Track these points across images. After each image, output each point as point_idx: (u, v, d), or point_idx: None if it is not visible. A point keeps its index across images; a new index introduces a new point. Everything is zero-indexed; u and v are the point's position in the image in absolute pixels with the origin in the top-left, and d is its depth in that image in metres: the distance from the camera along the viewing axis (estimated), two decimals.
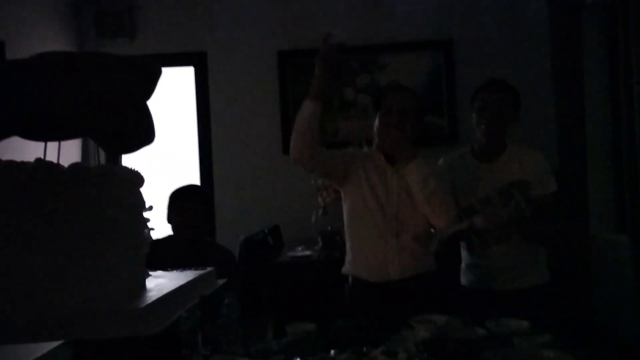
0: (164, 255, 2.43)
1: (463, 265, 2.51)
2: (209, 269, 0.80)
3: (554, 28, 4.02)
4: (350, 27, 4.41)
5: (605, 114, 3.94)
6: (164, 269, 2.33)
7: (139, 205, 0.79)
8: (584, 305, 3.73)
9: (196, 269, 0.91)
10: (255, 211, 4.40)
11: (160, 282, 0.72)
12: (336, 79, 2.26)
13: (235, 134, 4.49)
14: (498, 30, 4.34)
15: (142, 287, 0.66)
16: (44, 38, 3.92)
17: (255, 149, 4.48)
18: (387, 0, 4.42)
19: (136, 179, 0.87)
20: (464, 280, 2.50)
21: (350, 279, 2.39)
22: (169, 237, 2.54)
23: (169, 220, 2.51)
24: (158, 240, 2.53)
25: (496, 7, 4.35)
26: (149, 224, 0.87)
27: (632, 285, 3.13)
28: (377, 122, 2.29)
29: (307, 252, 3.65)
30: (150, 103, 4.67)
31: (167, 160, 4.60)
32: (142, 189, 0.91)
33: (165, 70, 4.81)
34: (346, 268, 2.41)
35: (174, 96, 4.71)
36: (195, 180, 4.52)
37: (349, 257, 2.41)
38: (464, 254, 2.51)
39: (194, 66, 4.54)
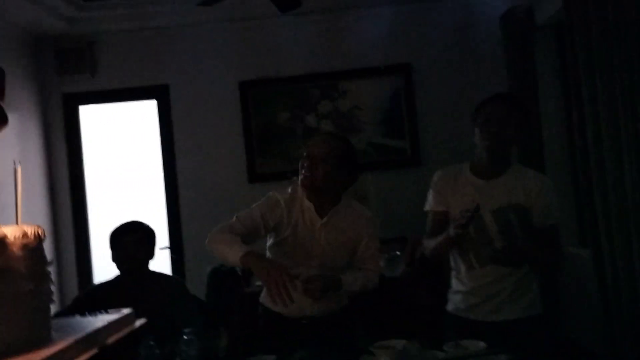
0: (112, 295, 2.42)
1: (450, 291, 2.35)
2: (125, 311, 0.80)
3: (507, 49, 4.14)
4: (310, 55, 4.49)
5: (561, 131, 4.06)
6: (113, 307, 2.32)
7: (39, 261, 0.78)
8: (552, 319, 3.80)
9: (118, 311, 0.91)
10: None
11: (61, 334, 0.71)
12: None
13: (200, 165, 4.49)
14: (454, 53, 4.46)
15: (44, 339, 0.66)
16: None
17: (221, 179, 4.49)
18: (346, 28, 4.51)
19: (34, 238, 0.86)
20: (449, 306, 2.33)
21: (263, 308, 2.33)
22: (116, 277, 2.53)
23: (113, 259, 2.50)
24: (106, 282, 2.53)
25: (451, 30, 4.47)
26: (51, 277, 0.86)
27: (595, 298, 3.19)
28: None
29: None
30: (114, 138, 4.58)
31: (133, 194, 4.57)
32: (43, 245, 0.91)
33: (128, 105, 4.77)
34: (263, 298, 2.35)
35: (137, 130, 4.71)
36: (162, 213, 4.50)
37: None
38: (452, 278, 2.34)
39: (157, 99, 4.55)
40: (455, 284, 2.31)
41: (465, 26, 4.45)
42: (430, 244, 2.27)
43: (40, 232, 0.87)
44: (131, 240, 2.49)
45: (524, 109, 2.25)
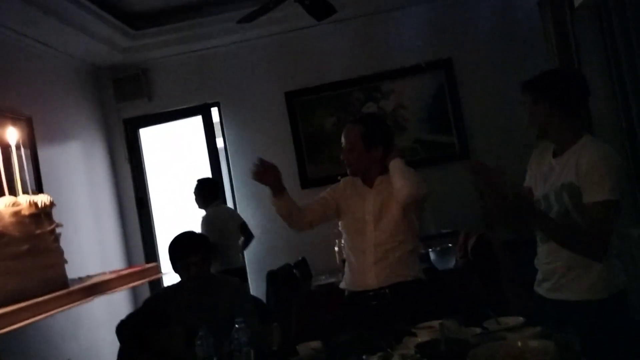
0: (177, 299, 2.59)
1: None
2: (147, 265, 0.93)
3: (547, 33, 4.11)
4: (351, 59, 4.61)
5: (610, 109, 3.97)
6: (181, 313, 2.48)
7: (33, 226, 0.86)
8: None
9: None
10: (283, 246, 4.55)
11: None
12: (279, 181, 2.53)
13: None
14: (494, 43, 4.47)
15: (53, 289, 0.75)
16: (67, 108, 4.25)
17: None
18: (384, 29, 4.61)
19: (28, 206, 0.93)
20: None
21: (345, 293, 2.57)
22: (180, 282, 2.66)
23: (175, 270, 2.61)
24: (171, 287, 2.68)
25: (489, 20, 4.49)
26: None
27: None
28: None
29: (331, 280, 3.76)
30: (167, 157, 4.89)
31: (190, 209, 4.78)
32: None
33: (182, 122, 5.00)
34: (342, 283, 2.61)
35: (195, 146, 4.98)
36: None
37: (345, 273, 2.60)
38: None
39: (209, 116, 4.80)
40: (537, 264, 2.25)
41: (503, 15, 4.46)
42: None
43: (35, 202, 0.98)
44: (195, 260, 2.56)
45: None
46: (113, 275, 0.86)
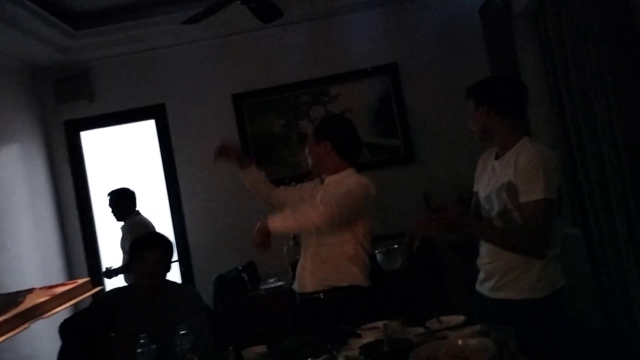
0: (128, 303, 2.53)
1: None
2: (80, 281, 0.90)
3: (488, 40, 4.24)
4: (298, 62, 4.63)
5: (546, 114, 4.13)
6: (130, 316, 2.42)
7: None
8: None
9: None
10: (230, 249, 4.51)
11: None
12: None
13: (201, 177, 4.63)
14: (438, 49, 4.58)
15: None
16: (4, 109, 4.08)
17: (222, 191, 4.62)
18: (330, 33, 4.64)
19: None
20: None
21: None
22: (133, 284, 2.60)
23: (130, 269, 2.57)
24: (123, 289, 2.61)
25: (434, 27, 4.60)
26: None
27: (588, 274, 3.26)
28: None
29: (279, 283, 3.75)
30: (117, 159, 4.79)
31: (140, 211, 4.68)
32: None
33: (128, 126, 4.94)
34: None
35: (139, 149, 4.86)
36: (168, 225, 4.64)
37: None
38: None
39: (154, 118, 4.70)
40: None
41: (447, 21, 4.57)
42: None
43: None
44: (153, 256, 2.52)
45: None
46: (46, 297, 0.82)
